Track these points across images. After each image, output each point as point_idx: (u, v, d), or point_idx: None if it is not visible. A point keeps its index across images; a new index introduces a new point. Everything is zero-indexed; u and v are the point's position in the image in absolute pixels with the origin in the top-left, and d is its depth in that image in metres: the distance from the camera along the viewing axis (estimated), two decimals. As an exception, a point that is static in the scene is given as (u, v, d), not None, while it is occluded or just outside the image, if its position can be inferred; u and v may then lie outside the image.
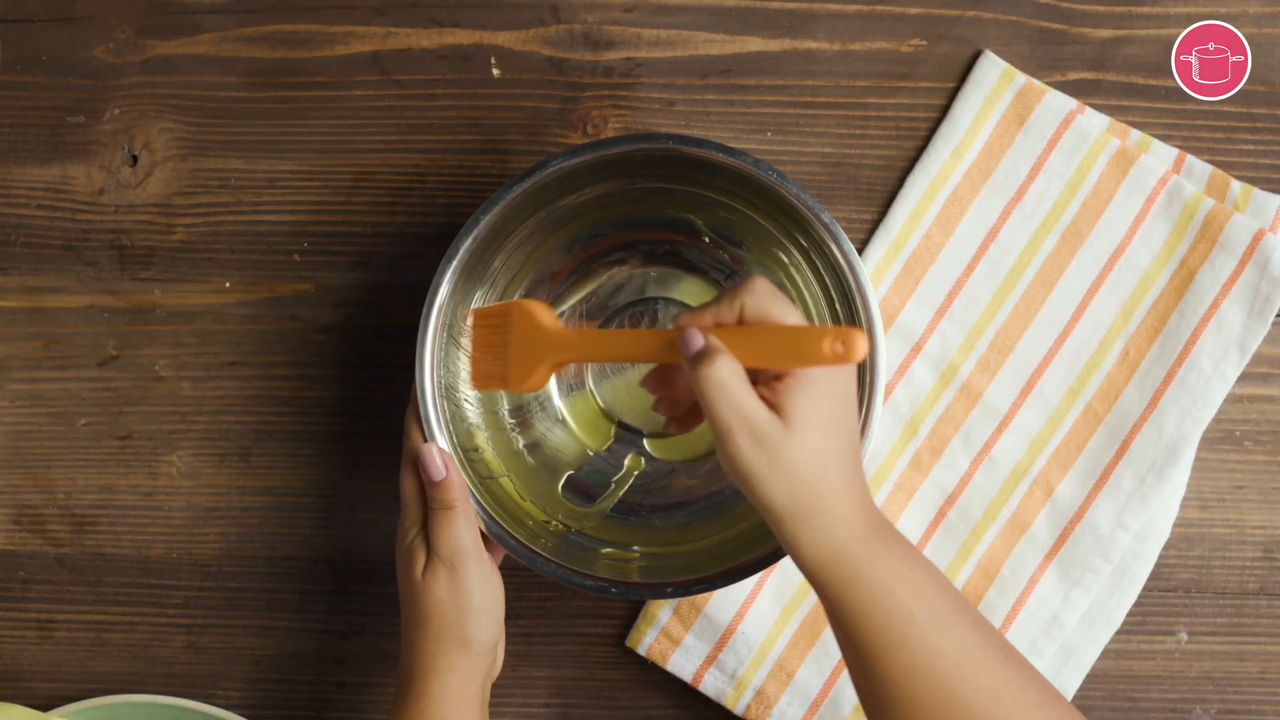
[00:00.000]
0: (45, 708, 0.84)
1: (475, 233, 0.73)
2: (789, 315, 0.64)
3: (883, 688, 0.62)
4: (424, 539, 0.72)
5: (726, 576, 0.73)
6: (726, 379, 0.63)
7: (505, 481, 0.78)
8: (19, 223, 0.84)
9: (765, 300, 0.65)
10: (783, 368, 0.63)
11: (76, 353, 0.84)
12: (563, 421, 0.83)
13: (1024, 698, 0.62)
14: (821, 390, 0.63)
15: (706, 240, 0.80)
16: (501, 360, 0.73)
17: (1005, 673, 0.62)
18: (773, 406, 0.63)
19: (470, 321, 0.76)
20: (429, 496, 0.72)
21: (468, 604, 0.71)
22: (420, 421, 0.74)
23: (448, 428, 0.75)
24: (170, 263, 0.84)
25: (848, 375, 0.65)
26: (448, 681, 0.71)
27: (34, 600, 0.85)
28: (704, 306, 0.66)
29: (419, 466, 0.72)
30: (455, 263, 0.73)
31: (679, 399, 0.72)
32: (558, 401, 0.83)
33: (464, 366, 0.76)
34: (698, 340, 0.64)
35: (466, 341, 0.76)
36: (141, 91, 0.84)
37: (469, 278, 0.76)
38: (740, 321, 0.65)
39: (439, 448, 0.73)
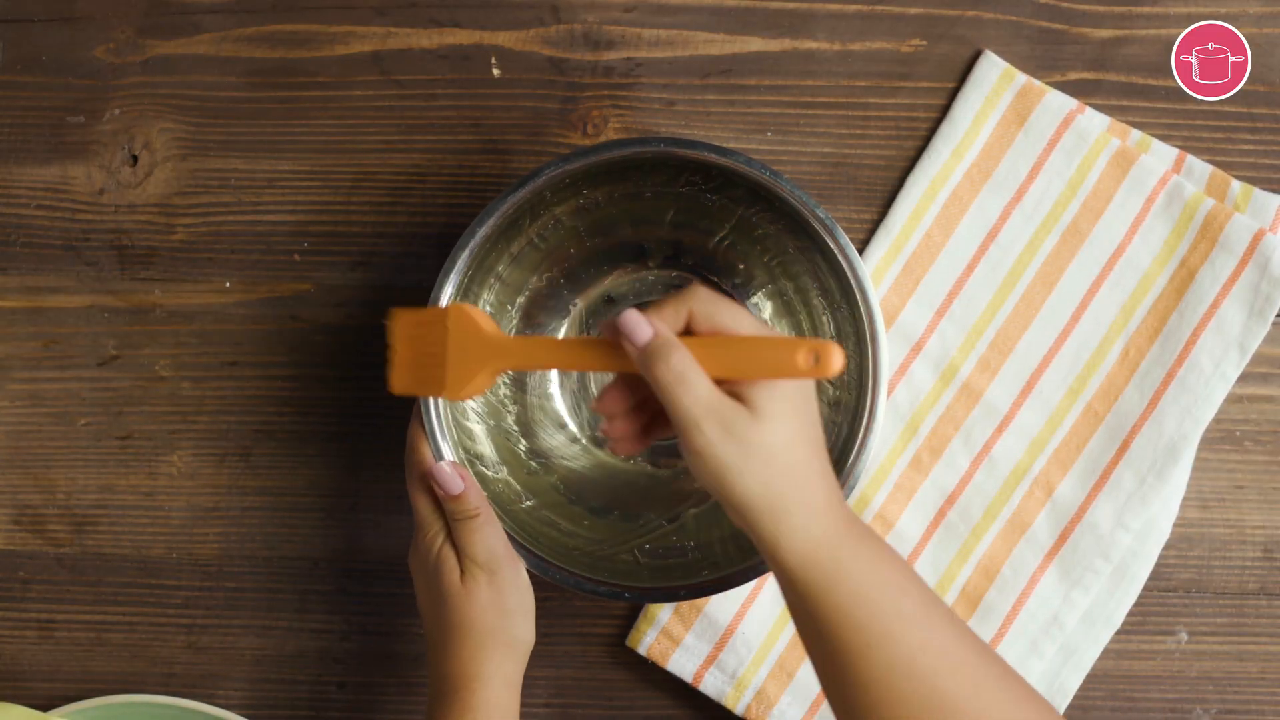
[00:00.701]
0: (45, 708, 0.84)
1: (472, 245, 0.73)
2: (740, 320, 0.62)
3: (862, 687, 0.60)
4: (452, 548, 0.72)
5: (743, 575, 0.73)
6: (685, 369, 0.60)
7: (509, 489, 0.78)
8: (19, 223, 0.84)
9: (712, 308, 0.62)
10: (751, 379, 0.60)
11: (76, 353, 0.84)
12: (563, 425, 0.83)
13: (1003, 692, 0.61)
14: (783, 380, 0.60)
15: (708, 244, 0.80)
16: (434, 365, 0.69)
17: (985, 668, 0.61)
18: (735, 398, 0.60)
19: (393, 323, 0.70)
20: (449, 510, 0.71)
21: (511, 605, 0.72)
22: (426, 436, 0.73)
23: (451, 436, 0.75)
24: (170, 263, 0.84)
25: None
26: (494, 689, 0.71)
27: (34, 600, 0.85)
28: (645, 311, 0.62)
29: (433, 484, 0.71)
30: (455, 274, 0.73)
31: (634, 414, 0.67)
32: (559, 404, 0.83)
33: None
34: (645, 330, 0.61)
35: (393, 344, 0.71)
36: (141, 91, 0.84)
37: (470, 288, 0.76)
38: (687, 330, 0.62)
39: (451, 461, 0.73)
